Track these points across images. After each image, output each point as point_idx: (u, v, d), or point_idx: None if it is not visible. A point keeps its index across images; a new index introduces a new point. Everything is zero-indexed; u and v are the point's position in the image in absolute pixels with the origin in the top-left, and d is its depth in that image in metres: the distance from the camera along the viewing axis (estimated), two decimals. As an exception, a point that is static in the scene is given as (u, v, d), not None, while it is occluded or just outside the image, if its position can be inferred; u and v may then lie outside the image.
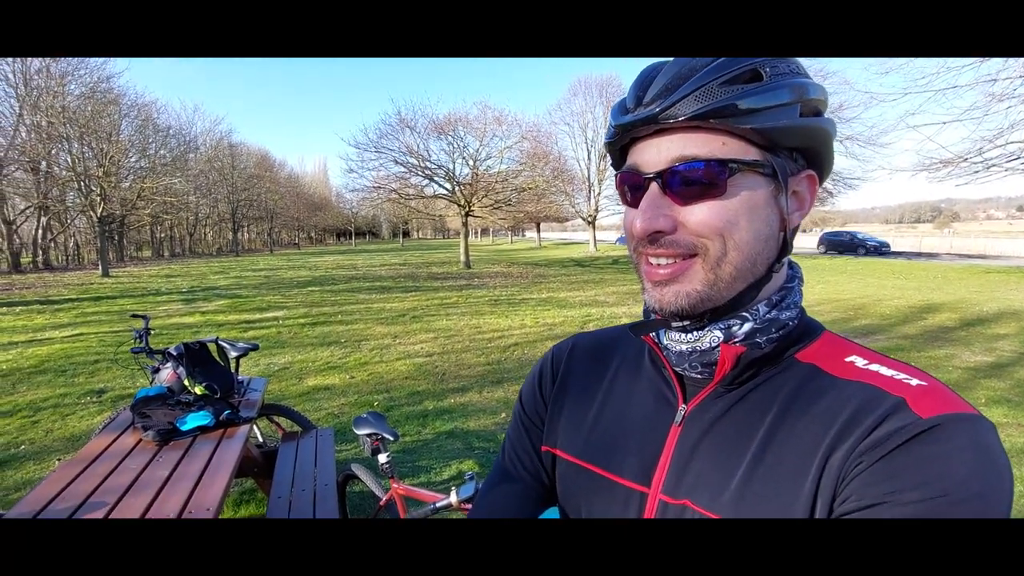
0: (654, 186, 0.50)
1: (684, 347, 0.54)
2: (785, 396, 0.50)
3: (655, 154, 0.50)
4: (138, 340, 3.12)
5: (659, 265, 0.51)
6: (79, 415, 4.56)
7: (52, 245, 29.23)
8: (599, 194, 32.69)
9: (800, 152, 0.51)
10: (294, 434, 2.91)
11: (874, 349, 0.53)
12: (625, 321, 0.74)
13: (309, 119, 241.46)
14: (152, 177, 23.99)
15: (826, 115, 0.52)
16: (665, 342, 0.56)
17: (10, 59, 21.19)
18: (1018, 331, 7.45)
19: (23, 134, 25.33)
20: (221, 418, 2.21)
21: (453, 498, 1.43)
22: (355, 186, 21.57)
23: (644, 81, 0.51)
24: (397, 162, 19.66)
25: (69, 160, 24.42)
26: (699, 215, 0.48)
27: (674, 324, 0.54)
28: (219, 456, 1.92)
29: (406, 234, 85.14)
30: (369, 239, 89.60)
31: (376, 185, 20.88)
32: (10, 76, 23.42)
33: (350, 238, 75.33)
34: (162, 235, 39.46)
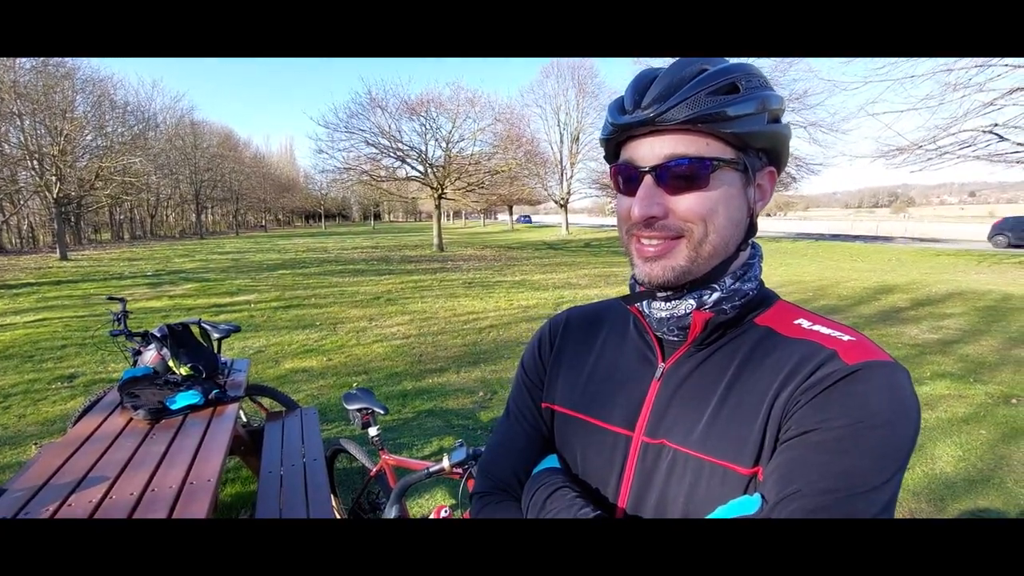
0: (648, 178, 0.60)
1: (664, 314, 0.65)
2: (744, 353, 0.62)
3: (649, 151, 0.60)
4: (116, 323, 3.10)
5: (650, 245, 0.61)
6: (51, 400, 4.48)
7: (4, 227, 27.72)
8: (571, 177, 32.84)
9: (764, 152, 0.62)
10: (278, 413, 2.96)
11: (818, 313, 0.65)
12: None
13: (274, 96, 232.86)
14: (110, 156, 22.91)
15: (786, 111, 0.63)
16: (648, 311, 0.67)
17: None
18: (964, 311, 7.96)
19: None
20: (210, 397, 2.26)
21: (445, 463, 1.53)
22: (325, 167, 21.15)
23: (640, 87, 0.60)
24: (368, 143, 19.31)
25: (21, 138, 23.11)
26: (686, 203, 0.59)
27: (659, 294, 0.65)
28: (212, 432, 1.97)
29: (377, 216, 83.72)
30: (339, 221, 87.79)
31: (346, 166, 20.48)
32: (-52, 45, 21.85)
33: (319, 220, 73.63)
34: (122, 217, 37.84)
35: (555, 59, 31.15)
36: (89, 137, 24.97)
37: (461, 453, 1.52)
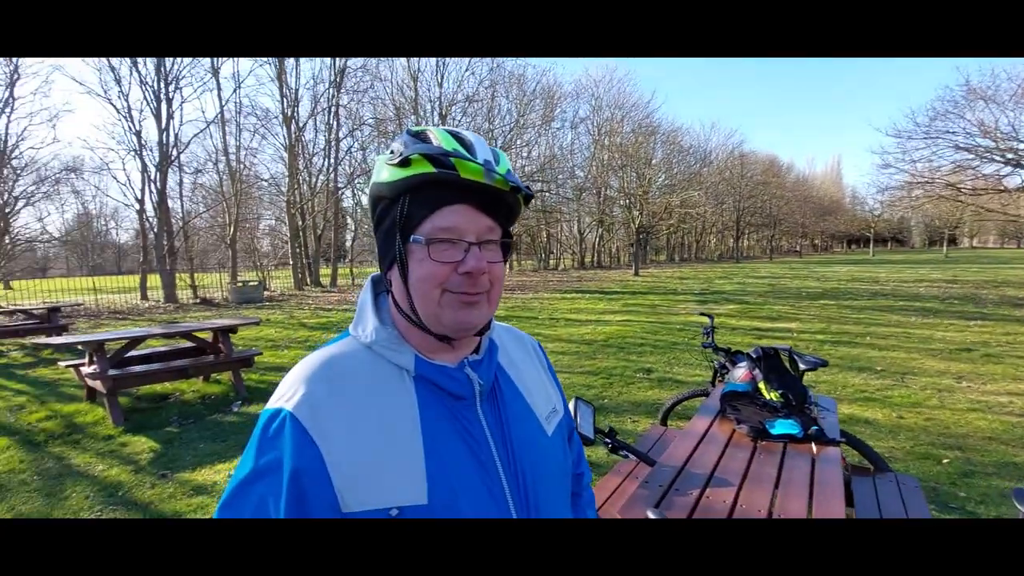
0: None
1: None
2: None
3: None
4: (706, 335, 3.53)
5: None
6: (637, 386, 5.70)
7: (603, 249, 38.90)
8: None
9: None
10: (864, 470, 2.56)
11: None
12: None
13: (821, 117, 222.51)
14: (675, 192, 27.98)
15: None
16: None
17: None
18: None
19: (594, 169, 34.75)
20: (809, 432, 2.15)
21: None
22: (889, 184, 18.22)
23: None
24: (959, 147, 15.20)
25: (617, 184, 31.71)
26: None
27: None
28: (821, 474, 1.84)
29: (952, 241, 65.59)
30: (891, 247, 74.49)
31: (918, 180, 16.89)
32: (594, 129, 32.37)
33: (865, 245, 64.80)
34: (675, 242, 45.71)
35: None
36: (662, 178, 31.44)
37: None
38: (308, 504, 0.62)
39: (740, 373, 2.83)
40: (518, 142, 26.31)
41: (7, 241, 16.26)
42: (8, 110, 15.12)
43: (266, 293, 17.59)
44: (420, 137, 0.70)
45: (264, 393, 5.48)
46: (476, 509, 0.67)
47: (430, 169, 0.66)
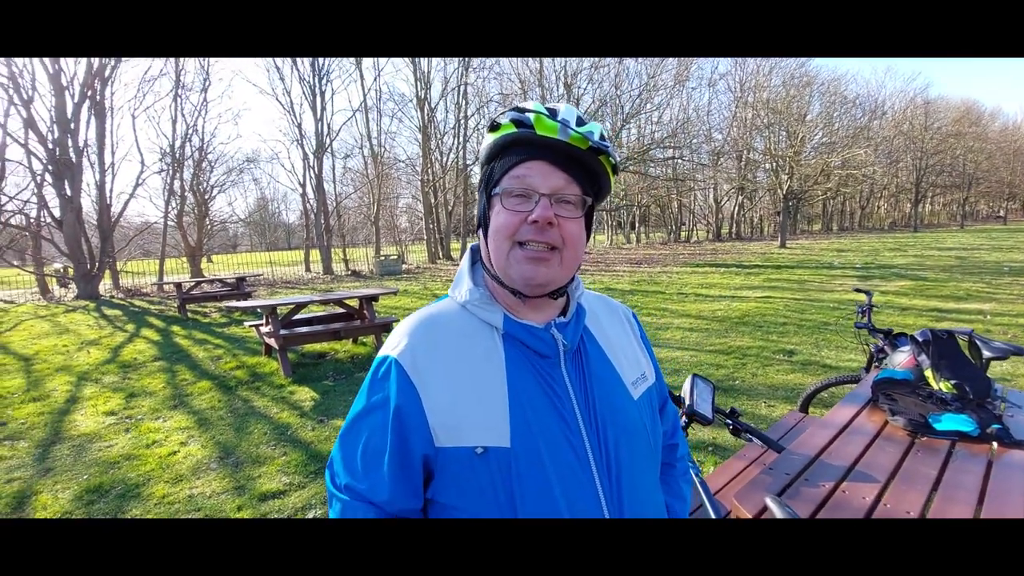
0: None
1: None
2: None
3: None
4: (861, 315, 3.08)
5: None
6: (775, 368, 5.20)
7: (743, 219, 35.61)
8: None
9: None
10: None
11: None
12: None
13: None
14: (838, 151, 24.43)
15: None
16: None
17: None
18: None
19: (734, 130, 31.66)
20: (987, 431, 1.78)
21: None
22: None
23: None
24: None
25: (763, 145, 28.53)
26: None
27: None
28: (998, 482, 1.52)
29: None
30: None
31: None
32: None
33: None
34: (832, 209, 40.18)
35: None
36: (818, 136, 27.59)
37: None
38: (408, 436, 0.71)
39: (901, 358, 2.43)
40: (648, 107, 24.87)
41: (207, 222, 19.71)
42: (204, 112, 18.11)
43: (404, 266, 19.19)
44: (515, 108, 0.75)
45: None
46: (555, 458, 0.71)
47: (512, 129, 0.73)
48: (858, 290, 3.28)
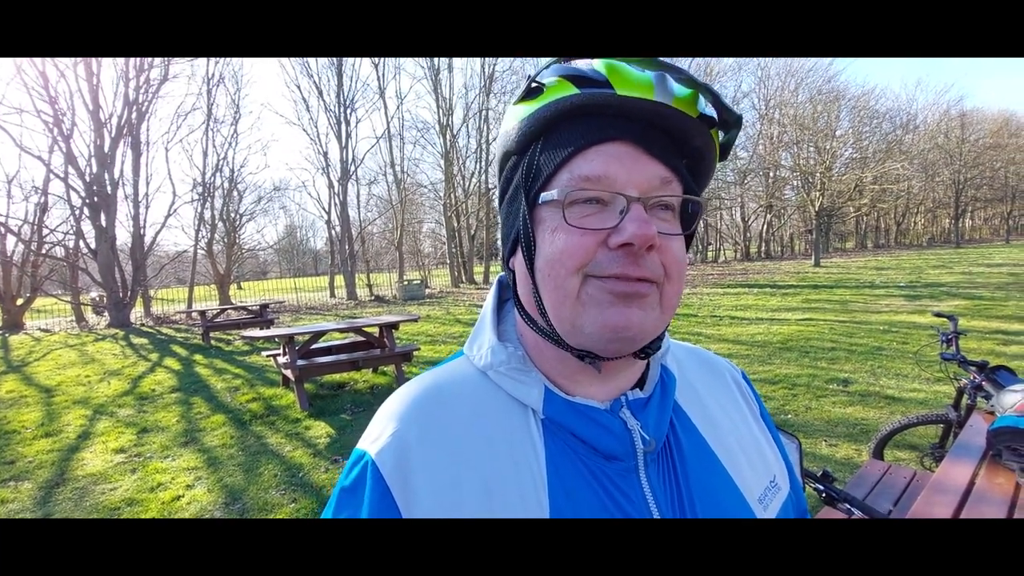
0: None
1: None
2: None
3: None
4: (946, 344, 2.65)
5: None
6: (831, 400, 4.71)
7: (771, 238, 34.71)
8: None
9: None
10: None
11: None
12: None
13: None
14: (870, 166, 23.68)
15: None
16: None
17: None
18: None
19: (760, 147, 31.12)
20: None
21: None
22: None
23: None
24: None
25: (790, 161, 27.87)
26: None
27: None
28: None
29: None
30: None
31: None
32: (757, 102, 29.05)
33: None
34: (866, 226, 38.89)
35: None
36: (848, 151, 26.84)
37: None
38: None
39: (1015, 400, 2.01)
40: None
41: (236, 249, 20.06)
42: (234, 143, 18.61)
43: (427, 290, 19.11)
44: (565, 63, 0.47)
45: (422, 387, 5.74)
46: None
47: (572, 90, 0.44)
48: (939, 314, 2.86)
